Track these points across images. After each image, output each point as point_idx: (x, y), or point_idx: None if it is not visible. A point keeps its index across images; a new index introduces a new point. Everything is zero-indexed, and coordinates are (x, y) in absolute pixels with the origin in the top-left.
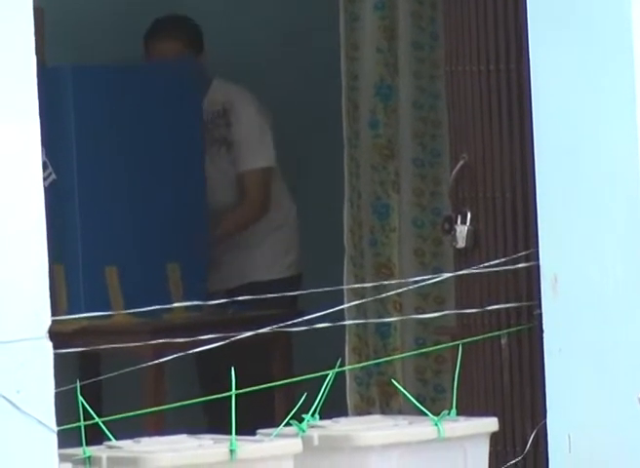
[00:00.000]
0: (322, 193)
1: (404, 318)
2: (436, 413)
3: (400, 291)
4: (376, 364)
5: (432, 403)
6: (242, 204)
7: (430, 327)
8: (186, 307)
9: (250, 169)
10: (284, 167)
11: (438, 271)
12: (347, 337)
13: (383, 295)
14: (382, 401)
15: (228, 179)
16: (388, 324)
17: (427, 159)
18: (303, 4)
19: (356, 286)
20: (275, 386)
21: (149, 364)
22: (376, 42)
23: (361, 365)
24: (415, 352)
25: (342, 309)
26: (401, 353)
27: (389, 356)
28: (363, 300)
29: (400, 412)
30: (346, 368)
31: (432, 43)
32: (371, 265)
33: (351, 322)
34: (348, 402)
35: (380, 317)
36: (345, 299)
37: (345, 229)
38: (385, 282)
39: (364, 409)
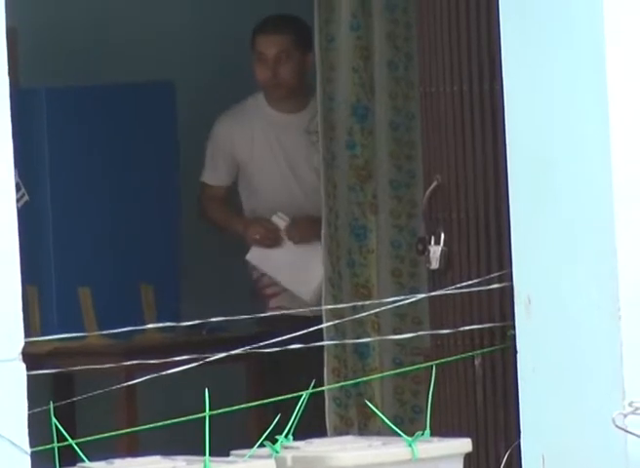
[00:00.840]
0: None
1: (379, 339)
2: (413, 434)
3: (376, 311)
4: (354, 384)
5: (410, 423)
6: None
7: (407, 347)
8: (160, 329)
9: None
10: None
11: (415, 291)
12: (326, 358)
13: (360, 316)
14: (361, 422)
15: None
16: (367, 344)
17: (404, 180)
18: None
19: (333, 306)
20: (250, 407)
21: (123, 385)
22: (351, 62)
23: (337, 385)
24: (389, 373)
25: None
26: (380, 373)
27: (368, 377)
28: (340, 321)
29: (379, 433)
30: (321, 389)
31: (407, 63)
32: (349, 286)
33: (327, 343)
34: (327, 423)
35: (358, 338)
36: (324, 320)
37: (324, 250)
38: (361, 302)
39: (343, 430)
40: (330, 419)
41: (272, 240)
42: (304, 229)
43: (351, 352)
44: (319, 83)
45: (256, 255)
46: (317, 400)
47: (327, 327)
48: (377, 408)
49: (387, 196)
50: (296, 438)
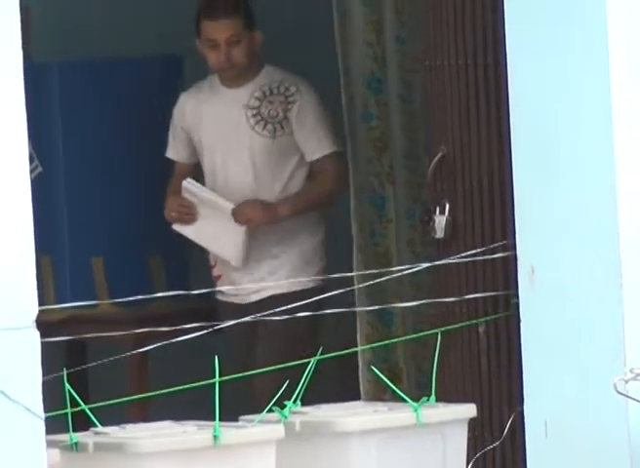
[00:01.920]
0: None
1: (388, 306)
2: (416, 400)
3: (385, 278)
4: (385, 353)
5: (427, 389)
6: (317, 182)
7: (424, 316)
8: (169, 298)
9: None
10: None
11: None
12: (359, 325)
13: (369, 283)
14: (373, 387)
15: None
16: (391, 313)
17: (415, 152)
18: (300, 2)
19: (344, 275)
20: (260, 373)
21: (134, 352)
22: (365, 36)
23: (343, 352)
24: (398, 340)
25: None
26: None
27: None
28: (347, 289)
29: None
30: (327, 356)
31: (412, 37)
32: (372, 255)
33: (335, 311)
34: (361, 388)
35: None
36: (356, 285)
37: (353, 220)
38: (369, 271)
39: (375, 395)
40: (363, 384)
41: (189, 215)
42: (250, 211)
43: (377, 320)
44: (339, 57)
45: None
46: (350, 365)
47: (359, 294)
48: (402, 374)
49: (402, 167)
50: (327, 402)
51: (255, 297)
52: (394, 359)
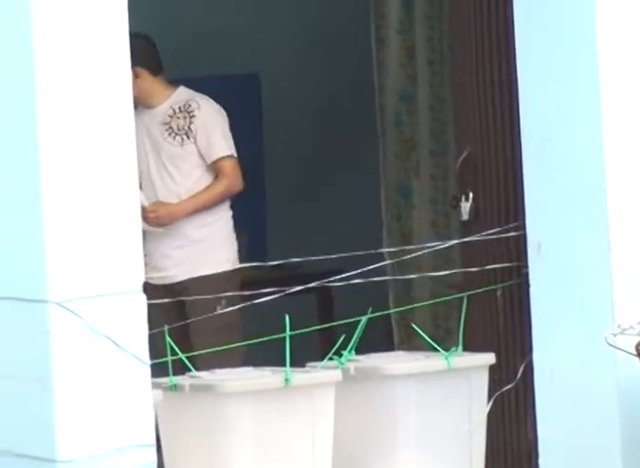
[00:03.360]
0: (358, 180)
1: (425, 275)
2: (448, 350)
3: (420, 253)
4: (400, 312)
5: (443, 342)
6: (219, 181)
7: (443, 281)
8: (252, 267)
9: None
10: (325, 159)
11: (449, 238)
12: (391, 291)
13: (408, 256)
14: (405, 339)
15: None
16: (410, 281)
17: (440, 150)
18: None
19: (382, 250)
20: (321, 329)
21: (222, 311)
22: (400, 59)
23: (386, 312)
24: (435, 301)
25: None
26: (418, 303)
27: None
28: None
29: (418, 349)
30: (376, 314)
31: (441, 60)
32: (398, 235)
33: (378, 278)
34: (395, 340)
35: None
36: (387, 259)
37: (383, 208)
38: (411, 246)
39: (405, 346)
40: (395, 337)
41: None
42: (163, 214)
43: (401, 287)
44: (375, 76)
45: None
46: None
47: (390, 268)
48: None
49: (427, 163)
50: (370, 352)
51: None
52: (410, 317)
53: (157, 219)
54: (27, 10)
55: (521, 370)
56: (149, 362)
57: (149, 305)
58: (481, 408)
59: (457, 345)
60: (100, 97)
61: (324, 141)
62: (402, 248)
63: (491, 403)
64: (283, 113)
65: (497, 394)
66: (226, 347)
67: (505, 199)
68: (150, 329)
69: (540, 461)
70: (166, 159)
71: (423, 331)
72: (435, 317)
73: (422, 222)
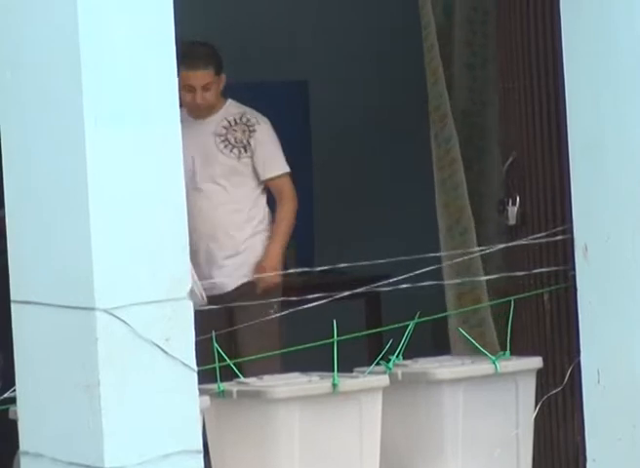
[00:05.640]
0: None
1: (475, 279)
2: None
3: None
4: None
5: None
6: (282, 203)
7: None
8: (299, 273)
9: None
10: (374, 165)
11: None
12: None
13: (459, 260)
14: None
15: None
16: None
17: (474, 155)
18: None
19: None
20: (369, 334)
21: (268, 317)
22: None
23: (435, 316)
24: (484, 304)
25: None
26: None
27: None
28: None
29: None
30: (423, 319)
31: (482, 64)
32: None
33: (427, 283)
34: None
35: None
36: (444, 262)
37: (439, 213)
38: (455, 251)
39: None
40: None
41: None
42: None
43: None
44: (429, 85)
45: None
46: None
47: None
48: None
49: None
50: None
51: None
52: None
53: (274, 280)
54: (74, 12)
55: (568, 374)
56: (196, 368)
57: (200, 315)
58: (528, 412)
59: (504, 349)
60: (146, 105)
61: (372, 147)
62: (450, 252)
63: (538, 407)
64: (331, 120)
65: (544, 398)
66: (276, 352)
67: (552, 203)
68: (202, 338)
69: (588, 466)
70: (219, 170)
71: (473, 337)
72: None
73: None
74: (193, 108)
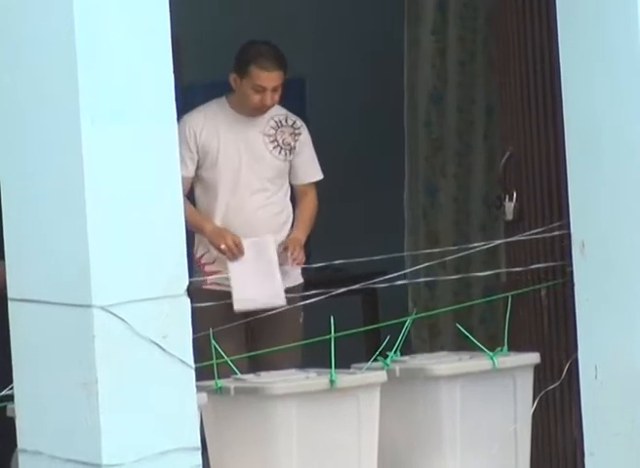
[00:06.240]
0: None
1: (466, 275)
2: (493, 350)
3: (459, 255)
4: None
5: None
6: (306, 200)
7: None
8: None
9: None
10: (369, 162)
11: (470, 238)
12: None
13: (449, 258)
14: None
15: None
16: (435, 281)
17: (464, 150)
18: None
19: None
20: (366, 330)
21: (262, 315)
22: (432, 60)
23: (432, 312)
24: (481, 300)
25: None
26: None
27: (434, 305)
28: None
29: (441, 348)
30: (420, 315)
31: (472, 59)
32: (423, 233)
33: (424, 279)
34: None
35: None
36: (406, 264)
37: (405, 206)
38: (443, 249)
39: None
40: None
41: (234, 255)
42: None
43: (424, 287)
44: (406, 75)
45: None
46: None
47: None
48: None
49: (453, 163)
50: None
51: None
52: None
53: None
54: (70, 12)
55: (566, 369)
56: (194, 365)
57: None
58: (526, 407)
59: (502, 345)
60: (142, 104)
61: (368, 143)
62: (445, 249)
63: (536, 402)
64: (328, 117)
65: (542, 393)
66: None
67: (549, 198)
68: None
69: (586, 460)
70: (266, 169)
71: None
72: (461, 317)
73: (447, 221)
74: (259, 108)
